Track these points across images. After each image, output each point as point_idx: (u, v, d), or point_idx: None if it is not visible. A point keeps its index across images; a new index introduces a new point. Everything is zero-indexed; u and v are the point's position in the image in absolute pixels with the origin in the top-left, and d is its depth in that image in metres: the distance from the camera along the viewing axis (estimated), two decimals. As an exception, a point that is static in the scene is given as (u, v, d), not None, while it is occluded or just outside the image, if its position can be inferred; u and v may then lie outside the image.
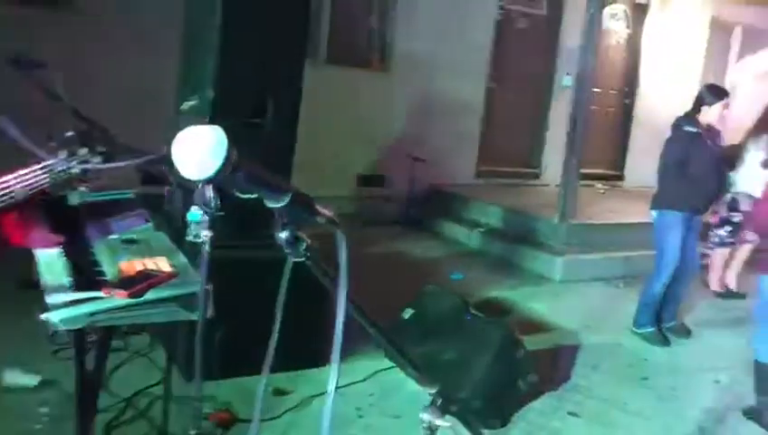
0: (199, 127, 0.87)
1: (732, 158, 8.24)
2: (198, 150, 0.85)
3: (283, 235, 0.93)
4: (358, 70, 7.57)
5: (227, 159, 0.85)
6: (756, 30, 10.88)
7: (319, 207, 0.97)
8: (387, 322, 3.77)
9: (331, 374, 0.98)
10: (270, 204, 0.91)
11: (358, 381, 3.65)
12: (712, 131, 4.85)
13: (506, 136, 8.86)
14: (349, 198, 7.33)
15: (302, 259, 0.97)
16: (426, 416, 1.18)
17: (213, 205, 1.91)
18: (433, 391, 1.20)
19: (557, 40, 8.80)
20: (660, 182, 4.97)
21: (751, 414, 3.83)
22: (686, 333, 5.15)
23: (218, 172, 0.84)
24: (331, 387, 1.00)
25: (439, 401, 1.18)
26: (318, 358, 3.43)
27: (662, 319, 5.08)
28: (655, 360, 4.66)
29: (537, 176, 9.07)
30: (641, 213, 5.72)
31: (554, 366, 4.29)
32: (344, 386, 3.51)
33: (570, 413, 3.71)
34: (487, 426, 3.36)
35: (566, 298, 5.78)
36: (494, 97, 8.60)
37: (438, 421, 1.17)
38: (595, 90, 9.27)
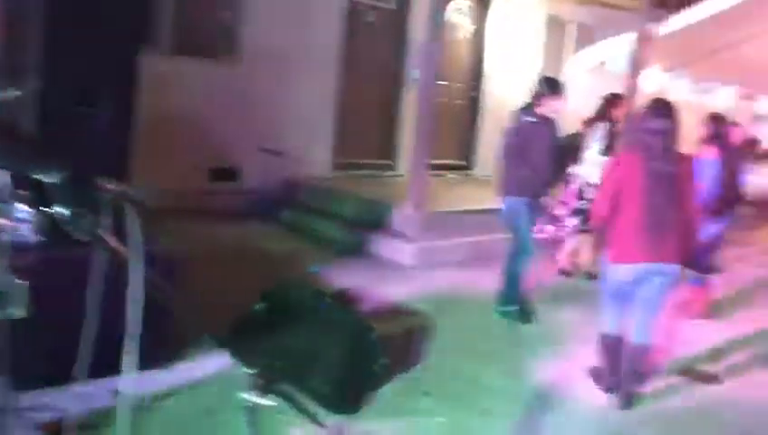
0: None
1: (570, 147, 8.86)
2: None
3: (61, 210, 0.86)
4: (206, 60, 7.34)
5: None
6: (588, 27, 11.75)
7: (104, 183, 0.91)
8: (237, 315, 3.68)
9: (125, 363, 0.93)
10: (45, 178, 0.84)
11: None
12: (548, 121, 5.17)
13: (361, 128, 8.95)
14: (200, 193, 7.11)
15: (89, 236, 0.90)
16: (247, 396, 1.16)
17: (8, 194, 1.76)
18: (252, 372, 1.17)
19: (405, 33, 9.01)
20: (503, 170, 5.24)
21: (594, 374, 4.15)
22: (533, 310, 5.41)
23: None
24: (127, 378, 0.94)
25: (260, 382, 1.15)
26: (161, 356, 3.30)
27: (516, 297, 5.33)
28: (505, 336, 4.92)
29: (392, 167, 9.25)
30: (489, 200, 6.00)
31: (408, 349, 4.40)
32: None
33: (424, 393, 3.82)
34: (340, 411, 3.38)
35: (420, 283, 5.93)
36: (347, 90, 8.64)
37: (260, 401, 1.15)
38: (442, 83, 9.58)
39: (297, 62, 7.88)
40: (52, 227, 1.95)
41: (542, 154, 5.04)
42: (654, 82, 10.02)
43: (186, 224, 5.85)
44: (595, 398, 4.01)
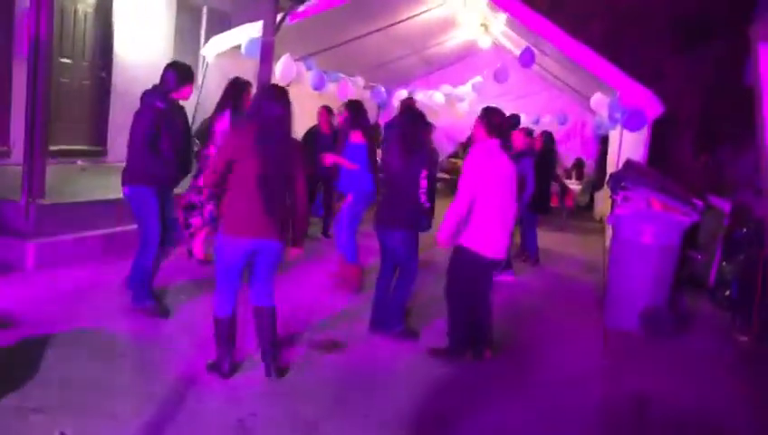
0: None
1: (205, 132, 8.74)
2: None
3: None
4: None
5: None
6: (221, 12, 11.73)
7: None
8: None
9: None
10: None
11: None
12: (179, 107, 4.98)
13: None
14: None
15: None
16: None
17: None
18: None
19: (12, 2, 7.89)
20: (130, 156, 4.90)
21: (212, 367, 4.10)
22: (164, 309, 5.15)
23: None
24: None
25: None
26: None
27: (148, 291, 5.02)
28: (138, 337, 4.60)
29: (6, 154, 8.08)
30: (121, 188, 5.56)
31: (20, 363, 3.86)
32: None
33: (36, 410, 3.37)
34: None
35: (39, 286, 5.28)
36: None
37: None
38: (65, 60, 8.71)
39: None
40: None
41: (172, 141, 4.83)
42: (288, 70, 10.42)
43: None
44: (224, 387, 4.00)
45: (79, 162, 8.88)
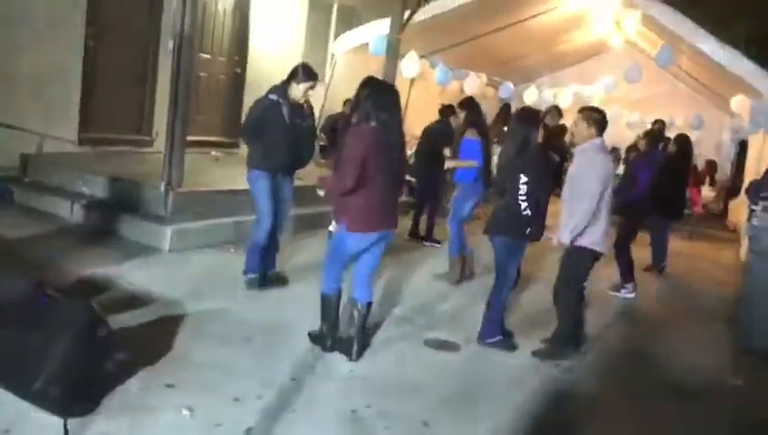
0: None
1: (333, 127, 9.00)
2: None
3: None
4: None
5: None
6: (351, 9, 11.99)
7: None
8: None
9: None
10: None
11: None
12: (296, 105, 5.18)
13: (112, 100, 8.28)
14: None
15: None
16: None
17: None
18: None
19: (161, 2, 8.45)
20: (246, 144, 5.32)
21: (315, 338, 4.39)
22: (283, 281, 5.58)
23: None
24: None
25: None
26: None
27: (266, 266, 5.42)
28: (257, 319, 4.79)
29: (150, 143, 8.69)
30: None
31: (154, 339, 4.15)
32: None
33: (167, 385, 3.62)
34: (73, 413, 3.08)
35: (174, 268, 5.65)
36: (95, 57, 7.93)
37: None
38: (204, 55, 9.23)
39: (32, 27, 7.04)
40: None
41: (275, 133, 5.08)
42: (413, 67, 10.52)
43: None
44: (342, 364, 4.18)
45: (213, 153, 9.39)
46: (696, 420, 4.18)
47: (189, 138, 6.56)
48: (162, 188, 6.17)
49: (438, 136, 7.75)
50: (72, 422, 3.00)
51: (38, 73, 7.24)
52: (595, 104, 14.96)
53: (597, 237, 4.69)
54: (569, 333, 4.90)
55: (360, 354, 4.31)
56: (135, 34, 8.44)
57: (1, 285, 3.27)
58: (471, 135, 6.42)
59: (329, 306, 4.33)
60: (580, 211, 4.57)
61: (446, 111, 8.02)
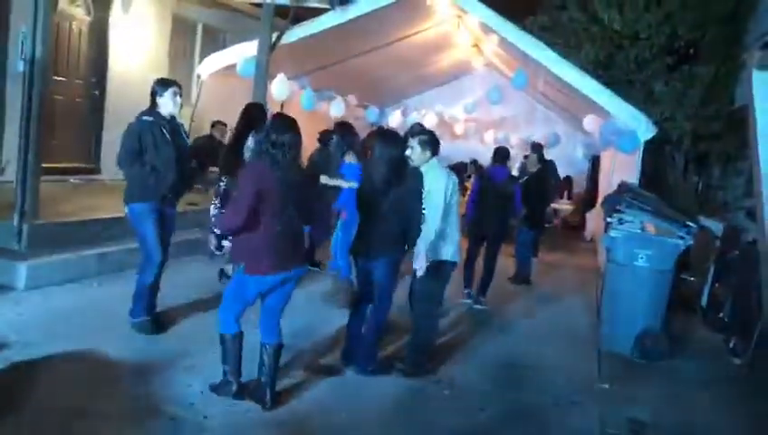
0: None
1: (205, 148, 8.71)
2: None
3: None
4: None
5: None
6: (216, 30, 11.77)
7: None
8: None
9: None
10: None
11: None
12: (173, 123, 4.96)
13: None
14: None
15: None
16: None
17: None
18: None
19: (6, 21, 7.87)
20: (126, 174, 4.91)
21: (216, 389, 4.08)
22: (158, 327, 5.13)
23: None
24: None
25: None
26: None
27: (147, 307, 5.02)
28: (129, 359, 4.52)
29: (-1, 172, 8.02)
30: (116, 207, 5.54)
31: (7, 388, 3.80)
32: None
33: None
34: None
35: (31, 307, 5.22)
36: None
37: None
38: (59, 78, 8.68)
39: None
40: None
41: (159, 156, 4.80)
42: (283, 89, 10.46)
43: None
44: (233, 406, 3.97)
45: (71, 180, 8.83)
46: (573, 424, 4.39)
47: (44, 165, 6.12)
48: (15, 219, 5.69)
49: (324, 164, 7.59)
50: None
51: None
52: (458, 124, 15.67)
53: (455, 249, 4.94)
54: (431, 345, 5.06)
55: (273, 401, 4.03)
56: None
57: None
58: (350, 158, 6.48)
59: (230, 347, 4.01)
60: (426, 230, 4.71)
61: (327, 136, 7.91)
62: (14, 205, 5.80)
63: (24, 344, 4.42)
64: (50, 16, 5.97)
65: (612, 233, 6.01)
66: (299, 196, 3.93)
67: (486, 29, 10.25)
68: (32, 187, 5.79)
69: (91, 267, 6.17)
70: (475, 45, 13.46)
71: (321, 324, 5.68)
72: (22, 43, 5.79)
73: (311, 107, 11.29)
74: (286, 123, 4.00)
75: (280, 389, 4.17)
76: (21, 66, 5.85)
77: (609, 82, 9.98)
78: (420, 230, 4.69)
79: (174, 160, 4.88)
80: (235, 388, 4.05)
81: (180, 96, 4.99)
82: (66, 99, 8.91)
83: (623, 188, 7.22)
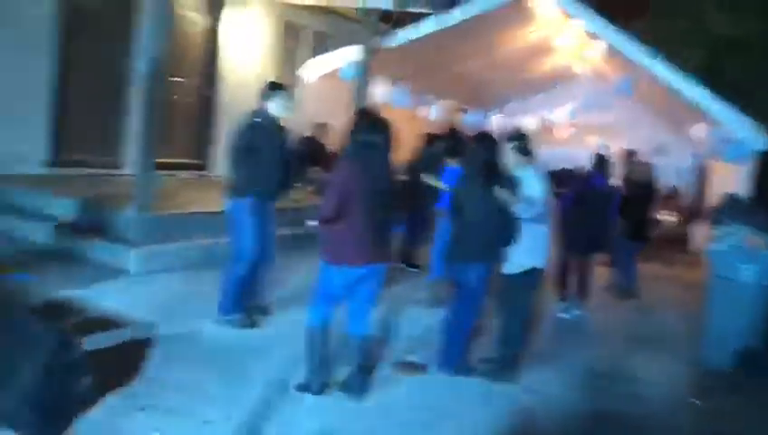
0: None
1: (308, 149, 9.03)
2: None
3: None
4: None
5: None
6: (323, 35, 12.14)
7: None
8: None
9: None
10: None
11: None
12: (278, 126, 5.20)
13: (84, 123, 8.26)
14: None
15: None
16: None
17: None
18: None
19: (131, 23, 8.48)
20: (234, 170, 5.15)
21: (302, 387, 4.18)
22: (264, 313, 5.40)
23: None
24: None
25: None
26: None
27: (246, 302, 5.22)
28: (233, 344, 4.81)
29: (118, 165, 8.64)
30: (222, 202, 5.84)
31: (126, 362, 4.13)
32: None
33: (137, 409, 3.61)
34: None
35: (143, 291, 5.60)
36: (67, 82, 7.92)
37: None
38: (176, 79, 9.24)
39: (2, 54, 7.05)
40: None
41: (267, 155, 5.04)
42: (381, 92, 10.67)
43: None
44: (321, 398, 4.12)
45: (181, 175, 9.36)
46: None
47: (159, 160, 6.56)
48: (132, 210, 6.14)
49: (426, 166, 7.61)
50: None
51: (6, 95, 7.20)
52: (560, 130, 15.36)
53: (545, 256, 4.96)
54: (518, 350, 5.03)
55: (361, 393, 4.15)
56: (107, 59, 8.43)
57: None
58: (453, 163, 6.56)
59: (314, 341, 4.11)
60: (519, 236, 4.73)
61: (433, 138, 7.97)
62: (130, 197, 6.26)
63: (138, 325, 4.76)
64: (170, 22, 6.39)
65: (716, 246, 5.79)
66: (385, 194, 4.05)
67: (591, 34, 10.06)
68: (148, 181, 6.21)
69: (196, 257, 6.55)
70: (579, 50, 13.19)
71: (411, 323, 5.79)
72: (142, 46, 6.24)
73: (404, 105, 11.41)
74: (376, 123, 4.11)
75: (367, 382, 4.29)
76: (141, 67, 6.32)
77: (718, 90, 9.56)
78: (513, 236, 4.71)
79: (279, 160, 5.11)
80: (317, 386, 4.13)
81: (289, 99, 5.23)
82: (179, 98, 9.46)
83: (730, 200, 6.92)
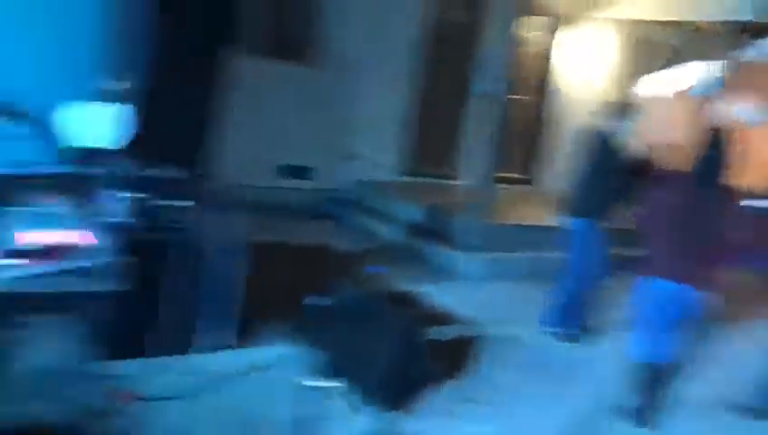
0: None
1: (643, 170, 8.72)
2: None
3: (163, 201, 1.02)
4: (290, 64, 7.74)
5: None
6: (671, 49, 11.46)
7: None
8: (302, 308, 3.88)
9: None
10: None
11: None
12: (617, 141, 5.18)
13: (430, 137, 9.14)
14: (272, 190, 7.42)
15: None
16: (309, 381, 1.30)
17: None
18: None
19: (477, 47, 9.09)
20: (572, 188, 5.28)
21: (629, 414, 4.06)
22: (587, 331, 5.35)
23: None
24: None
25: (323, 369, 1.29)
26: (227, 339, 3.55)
27: (572, 319, 5.27)
28: (553, 355, 4.96)
29: (455, 176, 9.34)
30: (550, 216, 6.04)
31: (458, 356, 4.52)
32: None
33: (467, 399, 3.95)
34: (387, 408, 3.54)
35: (473, 293, 6.03)
36: (419, 100, 8.88)
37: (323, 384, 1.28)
38: (513, 97, 9.65)
39: (373, 72, 8.16)
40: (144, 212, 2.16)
41: (610, 176, 5.07)
42: (737, 110, 9.75)
43: (261, 219, 6.05)
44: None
45: (509, 188, 9.73)
46: None
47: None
48: (469, 218, 6.66)
49: None
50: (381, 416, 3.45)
51: (375, 112, 8.35)
52: None
53: None
54: None
55: (643, 423, 3.99)
56: (453, 79, 9.19)
57: (352, 292, 3.87)
58: None
59: (644, 376, 3.99)
60: None
61: None
62: (466, 206, 6.82)
63: (470, 324, 5.18)
64: (513, 43, 6.77)
65: None
66: (708, 214, 3.84)
67: None
68: (489, 191, 6.72)
69: (524, 268, 6.78)
70: None
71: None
72: (484, 66, 6.68)
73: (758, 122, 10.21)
74: (713, 140, 4.01)
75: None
76: (485, 88, 6.81)
77: None
78: None
79: (619, 181, 5.09)
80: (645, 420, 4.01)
81: (634, 119, 5.20)
82: (514, 115, 9.84)
83: None
